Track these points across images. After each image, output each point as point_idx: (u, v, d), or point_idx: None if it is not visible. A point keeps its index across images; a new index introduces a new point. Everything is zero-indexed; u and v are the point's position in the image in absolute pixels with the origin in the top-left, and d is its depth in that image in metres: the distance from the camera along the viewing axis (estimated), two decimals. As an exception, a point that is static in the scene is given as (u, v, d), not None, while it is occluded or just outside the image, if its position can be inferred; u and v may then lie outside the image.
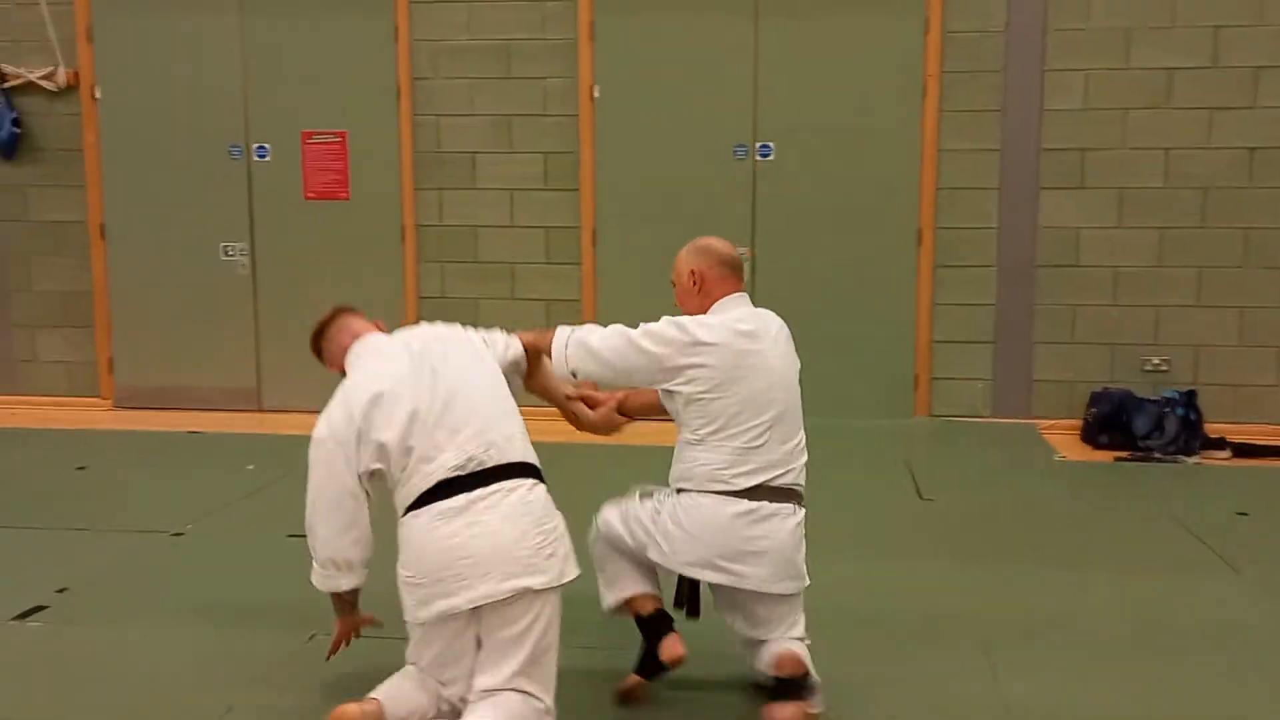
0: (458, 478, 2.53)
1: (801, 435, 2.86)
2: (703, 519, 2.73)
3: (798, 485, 2.82)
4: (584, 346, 2.85)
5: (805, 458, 2.86)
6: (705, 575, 2.76)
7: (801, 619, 2.82)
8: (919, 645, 3.19)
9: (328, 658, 2.86)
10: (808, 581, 2.83)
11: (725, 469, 2.73)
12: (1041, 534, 4.27)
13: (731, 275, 2.93)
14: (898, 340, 6.26)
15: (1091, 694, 2.89)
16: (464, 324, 3.05)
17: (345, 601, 2.76)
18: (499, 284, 6.43)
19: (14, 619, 3.33)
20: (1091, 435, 5.75)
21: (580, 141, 6.28)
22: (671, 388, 2.80)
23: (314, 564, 2.67)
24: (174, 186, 6.53)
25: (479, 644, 2.51)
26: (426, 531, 2.51)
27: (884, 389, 6.27)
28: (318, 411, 2.66)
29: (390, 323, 3.01)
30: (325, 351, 2.94)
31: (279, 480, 4.85)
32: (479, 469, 2.54)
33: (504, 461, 2.58)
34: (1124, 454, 5.52)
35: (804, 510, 2.83)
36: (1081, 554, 4.01)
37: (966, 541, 4.18)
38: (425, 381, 2.63)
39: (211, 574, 3.73)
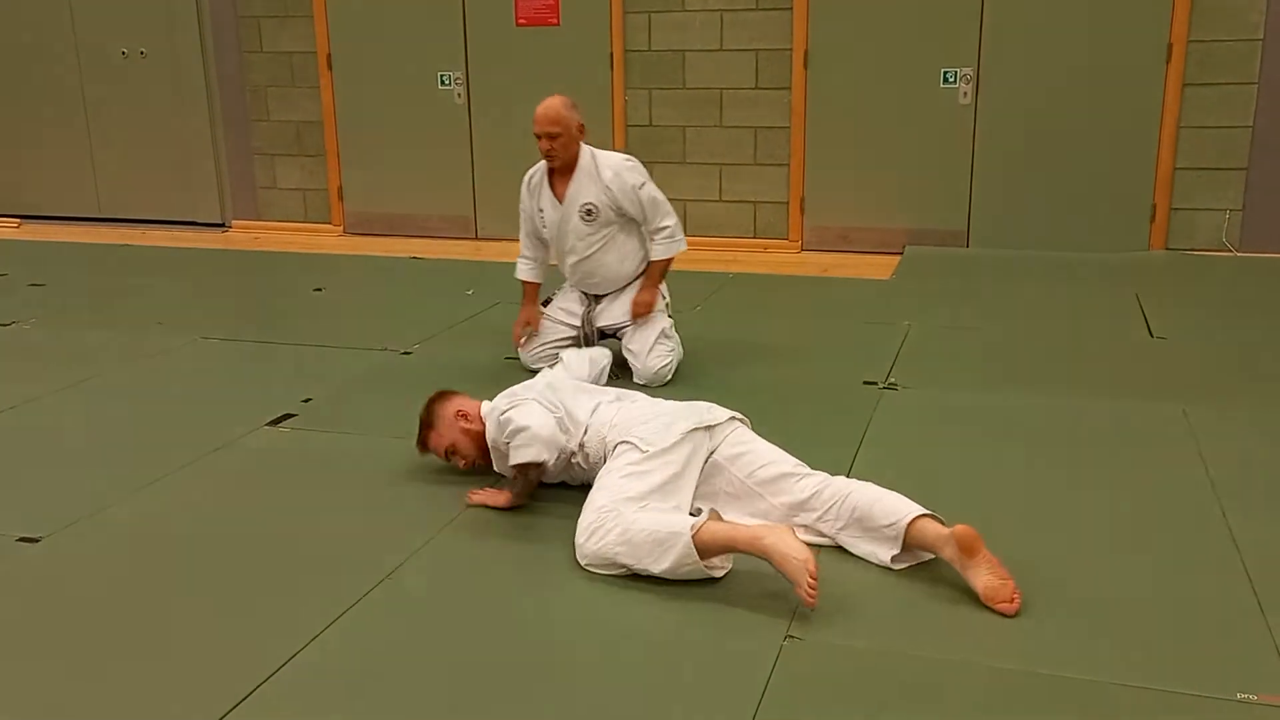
0: None
1: None
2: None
3: None
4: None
5: None
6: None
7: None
8: (1140, 485, 3.06)
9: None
10: None
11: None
12: (1288, 378, 3.96)
13: None
14: (1136, 166, 5.80)
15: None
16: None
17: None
18: (707, 110, 6.31)
19: (268, 424, 3.67)
20: (1355, 273, 5.23)
21: (795, -45, 5.97)
22: None
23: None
24: (393, 16, 6.67)
25: None
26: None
27: (1117, 219, 5.87)
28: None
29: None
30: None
31: (495, 305, 5.06)
32: None
33: None
34: (1393, 294, 5.01)
35: None
36: (1333, 400, 3.70)
37: (1199, 383, 3.92)
38: None
39: (438, 389, 3.96)
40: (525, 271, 4.17)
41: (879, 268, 5.88)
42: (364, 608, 2.49)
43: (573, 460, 2.95)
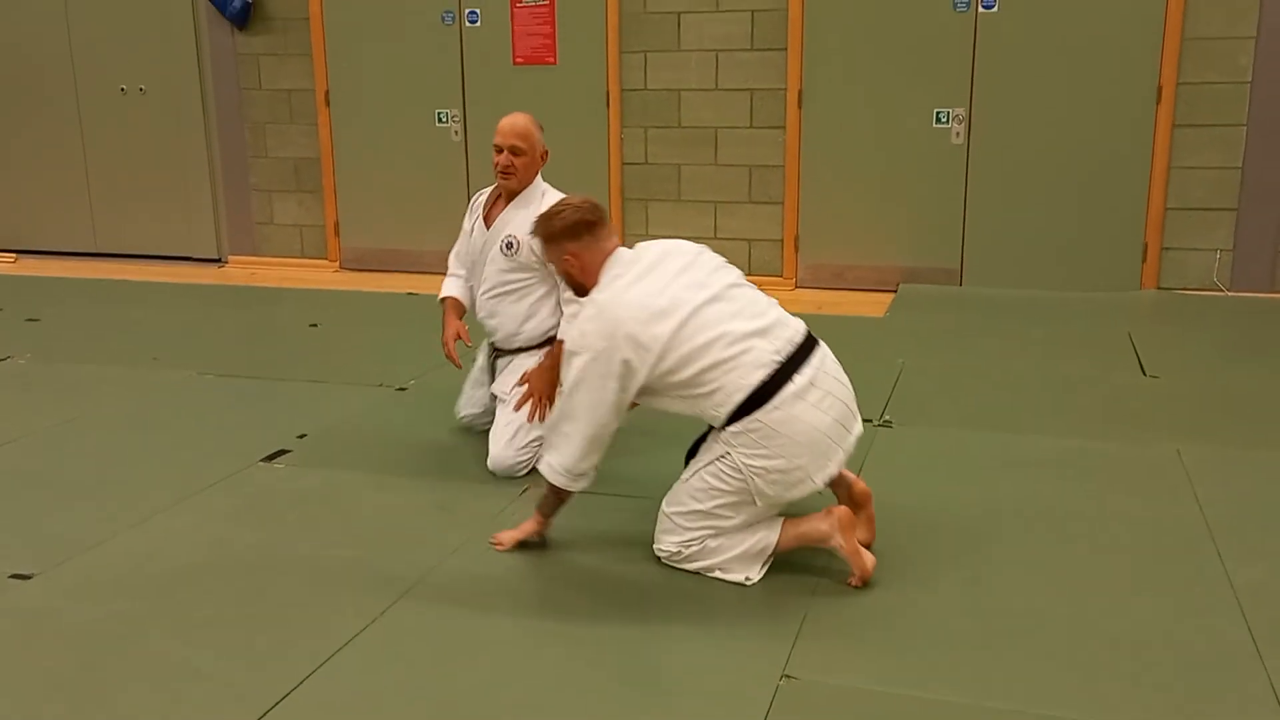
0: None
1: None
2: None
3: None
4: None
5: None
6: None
7: None
8: (1135, 526, 3.06)
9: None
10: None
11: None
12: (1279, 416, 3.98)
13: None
14: (1127, 207, 5.85)
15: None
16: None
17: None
18: (702, 149, 6.37)
19: (263, 460, 3.66)
20: (1346, 312, 5.27)
21: (789, -2, 6.05)
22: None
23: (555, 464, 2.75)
24: (391, 54, 6.74)
25: None
26: (794, 418, 2.63)
27: (1109, 259, 5.91)
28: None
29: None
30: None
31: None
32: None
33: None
34: (1383, 334, 5.04)
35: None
36: (1326, 440, 3.72)
37: (1193, 422, 3.94)
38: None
39: (433, 425, 3.97)
40: (452, 287, 3.73)
41: (873, 305, 5.91)
42: (356, 647, 2.48)
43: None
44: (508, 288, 3.57)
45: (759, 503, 2.69)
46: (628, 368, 2.62)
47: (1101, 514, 3.15)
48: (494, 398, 3.65)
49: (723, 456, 2.68)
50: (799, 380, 2.64)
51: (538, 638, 2.52)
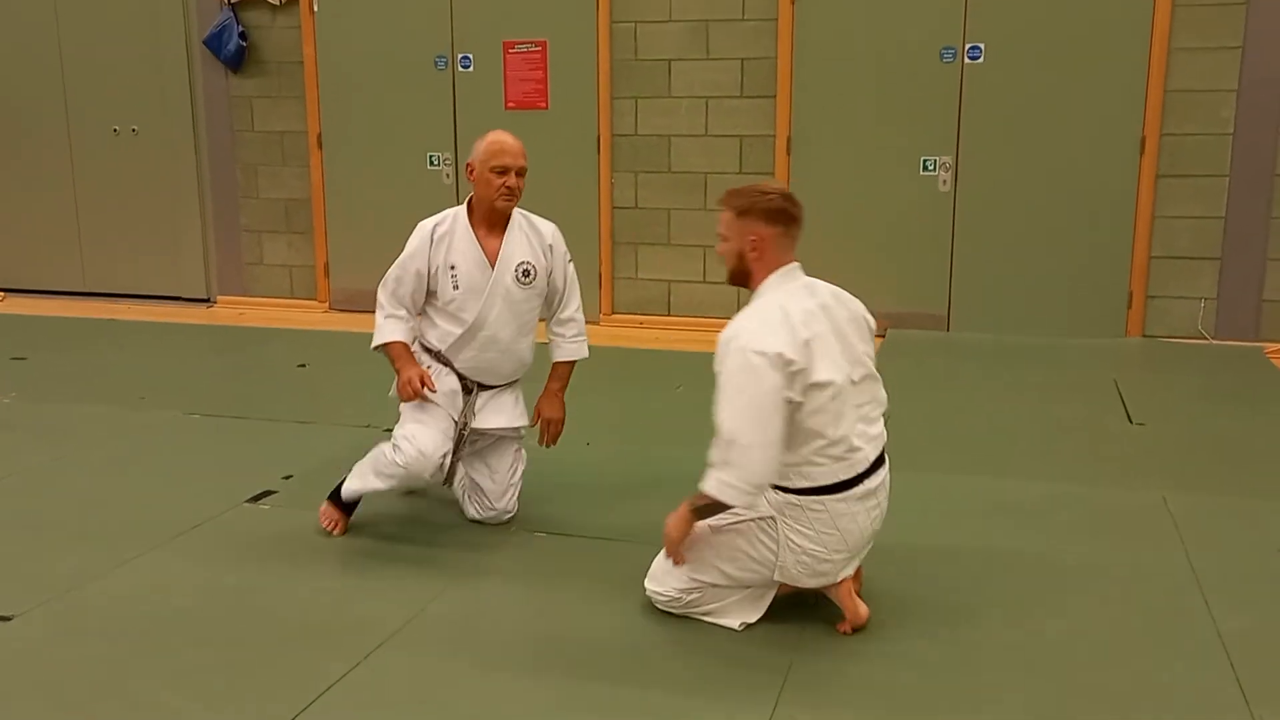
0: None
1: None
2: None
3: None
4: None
5: None
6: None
7: None
8: (1123, 574, 3.06)
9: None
10: None
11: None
12: (1264, 463, 3.99)
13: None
14: (1112, 256, 5.91)
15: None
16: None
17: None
18: (691, 194, 6.41)
19: (248, 501, 3.64)
20: (1328, 361, 5.31)
21: (778, 46, 6.13)
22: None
23: (724, 476, 2.53)
24: (384, 97, 6.79)
25: None
26: (851, 515, 2.64)
27: (1095, 307, 5.96)
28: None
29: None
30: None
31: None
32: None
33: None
34: (1366, 383, 5.08)
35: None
36: (1311, 488, 3.73)
37: (1179, 469, 3.95)
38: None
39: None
40: (397, 330, 3.29)
41: (861, 350, 5.92)
42: (340, 691, 2.45)
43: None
44: (524, 318, 3.33)
45: (776, 576, 2.68)
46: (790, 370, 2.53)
47: (1089, 561, 3.15)
48: (461, 433, 3.32)
49: (767, 519, 2.65)
50: (869, 484, 2.66)
51: (520, 687, 2.50)
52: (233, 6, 6.88)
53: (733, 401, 2.51)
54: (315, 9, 6.79)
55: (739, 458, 2.49)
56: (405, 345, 3.30)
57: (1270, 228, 5.65)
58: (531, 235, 3.36)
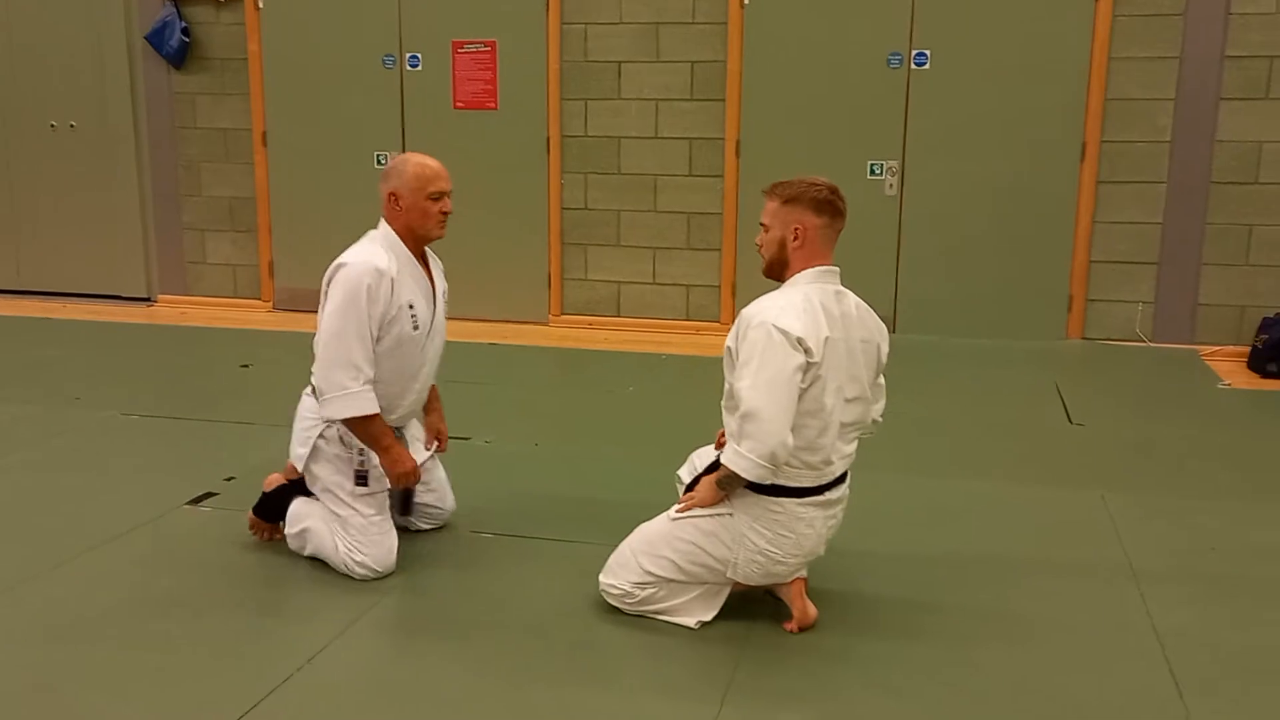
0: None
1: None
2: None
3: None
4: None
5: None
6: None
7: None
8: (1062, 572, 3.11)
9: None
10: None
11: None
12: (1199, 463, 4.08)
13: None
14: (1053, 260, 6.01)
15: (1257, 629, 2.78)
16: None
17: None
18: (641, 195, 6.42)
19: (189, 503, 3.57)
20: (1259, 363, 5.44)
21: (728, 50, 6.16)
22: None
23: (747, 452, 2.51)
24: (330, 95, 6.71)
25: None
26: (809, 520, 2.66)
27: (1036, 309, 6.05)
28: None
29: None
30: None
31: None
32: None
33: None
34: (1295, 384, 5.22)
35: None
36: (1244, 487, 3.82)
37: (1117, 469, 4.03)
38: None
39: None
40: (375, 402, 2.97)
41: (808, 352, 5.97)
42: (280, 697, 2.42)
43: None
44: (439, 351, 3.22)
45: (729, 574, 2.69)
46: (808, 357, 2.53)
47: (1030, 559, 3.19)
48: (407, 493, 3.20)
49: (725, 516, 2.66)
50: (831, 495, 2.70)
51: (468, 688, 2.48)
52: (175, 2, 6.76)
53: (756, 374, 2.50)
54: (260, 5, 6.70)
55: (756, 430, 2.48)
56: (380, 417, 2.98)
57: (1206, 234, 5.78)
58: (434, 258, 3.27)
